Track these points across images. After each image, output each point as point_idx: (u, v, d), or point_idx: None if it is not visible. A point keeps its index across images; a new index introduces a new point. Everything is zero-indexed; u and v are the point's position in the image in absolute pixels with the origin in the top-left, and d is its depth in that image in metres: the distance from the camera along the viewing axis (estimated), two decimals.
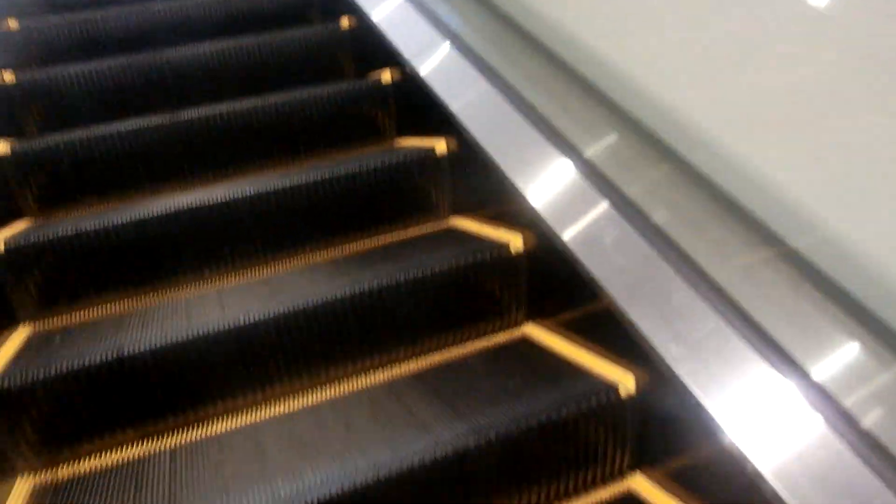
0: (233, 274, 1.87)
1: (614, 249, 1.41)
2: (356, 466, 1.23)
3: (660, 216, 1.39)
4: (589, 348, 1.51)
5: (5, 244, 1.66)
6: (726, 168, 1.28)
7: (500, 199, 1.78)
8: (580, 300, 1.50)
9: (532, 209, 1.59)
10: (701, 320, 1.22)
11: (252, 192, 1.82)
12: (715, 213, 1.31)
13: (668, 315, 1.25)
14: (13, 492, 1.38)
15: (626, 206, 1.45)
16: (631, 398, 1.35)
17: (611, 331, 1.40)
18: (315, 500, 1.18)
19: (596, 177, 1.52)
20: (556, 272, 1.55)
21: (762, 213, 1.21)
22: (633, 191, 1.46)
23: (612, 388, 1.35)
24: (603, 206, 1.47)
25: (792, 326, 1.13)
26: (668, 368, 1.21)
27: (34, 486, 1.40)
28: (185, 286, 1.84)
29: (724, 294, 1.21)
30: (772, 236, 1.20)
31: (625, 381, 1.35)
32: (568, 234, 1.50)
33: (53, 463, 1.46)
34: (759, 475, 1.03)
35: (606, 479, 1.40)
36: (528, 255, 1.68)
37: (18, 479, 1.42)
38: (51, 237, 1.69)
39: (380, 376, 1.61)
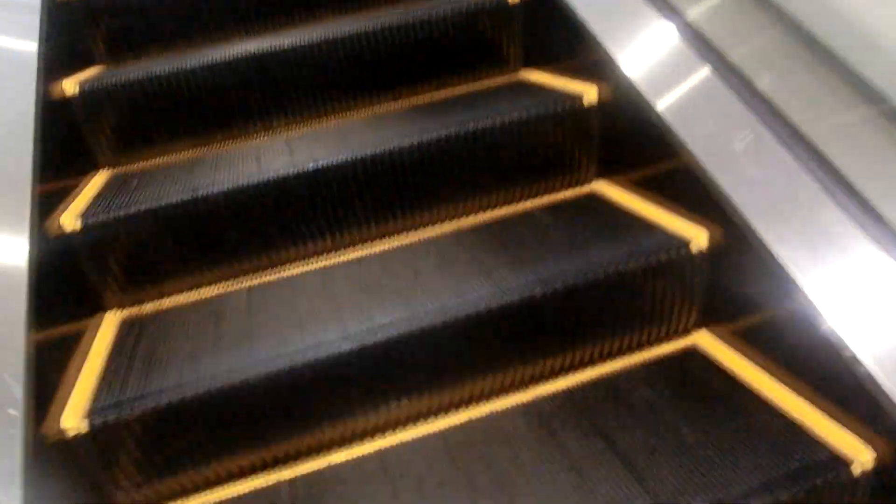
0: (301, 123, 1.87)
1: (696, 101, 1.35)
2: (424, 309, 1.26)
3: (737, 56, 1.31)
4: (661, 205, 1.47)
5: (80, 87, 1.68)
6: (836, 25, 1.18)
7: (574, 51, 1.70)
8: (654, 158, 1.45)
9: (610, 60, 1.51)
10: (794, 184, 1.17)
11: (319, 39, 1.77)
12: (813, 69, 1.22)
13: (758, 179, 1.20)
14: (103, 323, 1.47)
15: (708, 53, 1.37)
16: (702, 255, 1.33)
17: (685, 189, 1.36)
18: (384, 339, 1.22)
19: (684, 30, 1.43)
20: (631, 128, 1.50)
21: (869, 71, 1.12)
22: (715, 33, 1.37)
23: (683, 244, 1.32)
24: (689, 56, 1.39)
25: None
26: (749, 228, 1.18)
27: (122, 319, 1.49)
28: (254, 133, 1.85)
29: (825, 161, 1.15)
30: (877, 97, 1.12)
31: (697, 237, 1.32)
32: (647, 86, 1.43)
33: (138, 300, 1.54)
34: (853, 358, 1.02)
35: (672, 335, 1.41)
36: (602, 109, 1.61)
37: (108, 312, 1.52)
38: (123, 80, 1.70)
39: (447, 227, 1.62)
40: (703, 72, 1.36)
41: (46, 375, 1.13)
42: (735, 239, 1.23)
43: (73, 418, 1.14)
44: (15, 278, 1.15)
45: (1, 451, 0.95)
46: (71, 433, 1.13)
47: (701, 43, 1.39)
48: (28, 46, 1.61)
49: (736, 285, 1.29)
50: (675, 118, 1.36)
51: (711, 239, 1.31)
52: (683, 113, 1.35)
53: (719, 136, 1.29)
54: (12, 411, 1.00)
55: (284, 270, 1.57)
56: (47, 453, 1.04)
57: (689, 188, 1.34)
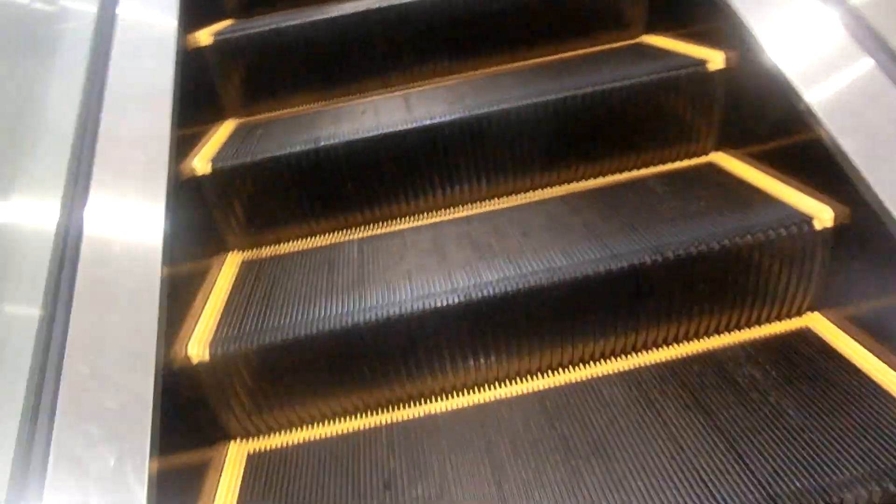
0: (419, 79, 1.90)
1: (836, 74, 1.28)
2: (532, 269, 1.27)
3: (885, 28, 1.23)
4: (783, 180, 1.41)
5: (213, 37, 1.77)
6: None
7: (701, 16, 1.64)
8: (781, 131, 1.39)
9: (742, 26, 1.45)
10: None
11: None
12: None
13: None
14: (226, 262, 1.56)
15: (853, 24, 1.29)
16: (825, 233, 1.27)
17: (811, 165, 1.30)
18: (490, 295, 1.24)
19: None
20: (758, 98, 1.44)
21: None
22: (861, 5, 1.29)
23: (805, 221, 1.27)
24: (831, 27, 1.32)
25: None
26: (884, 210, 1.12)
27: (243, 260, 1.58)
28: (373, 89, 1.90)
29: None
30: None
31: (821, 214, 1.26)
32: (781, 54, 1.36)
33: (258, 243, 1.63)
34: None
35: (784, 316, 1.36)
36: (728, 76, 1.55)
37: (231, 253, 1.61)
38: (252, 32, 1.78)
39: (558, 190, 1.62)
40: (844, 44, 1.29)
41: (176, 306, 1.21)
42: (864, 220, 1.17)
43: (197, 347, 1.23)
44: (154, 216, 1.24)
45: (138, 371, 1.04)
46: (195, 360, 1.22)
47: (845, 14, 1.31)
48: None
49: (859, 268, 1.23)
50: (811, 91, 1.29)
51: (836, 218, 1.25)
52: (821, 86, 1.29)
53: (857, 112, 1.22)
54: (148, 336, 1.09)
55: (396, 224, 1.61)
56: (174, 378, 1.12)
57: (816, 164, 1.28)
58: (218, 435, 1.31)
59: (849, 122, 1.23)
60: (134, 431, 0.96)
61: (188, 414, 1.20)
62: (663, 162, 1.65)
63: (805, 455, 1.06)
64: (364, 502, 1.12)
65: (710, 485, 1.04)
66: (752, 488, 1.02)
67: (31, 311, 1.04)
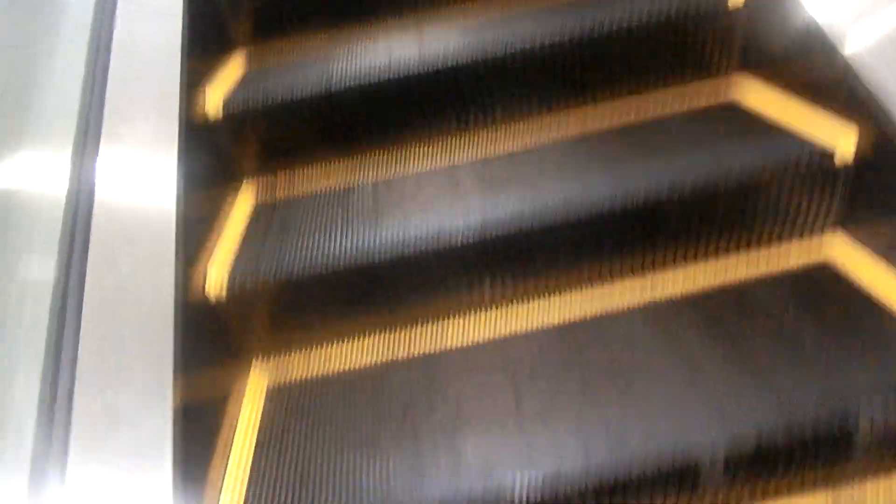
0: (431, 16, 1.86)
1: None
2: (548, 204, 1.26)
3: None
4: (804, 113, 1.38)
5: None
6: None
7: None
8: (803, 62, 1.35)
9: None
10: None
11: None
12: None
13: None
14: (241, 200, 1.56)
15: None
16: (847, 165, 1.25)
17: (834, 96, 1.27)
18: (506, 229, 1.24)
19: None
20: (781, 30, 1.40)
21: None
22: None
23: (826, 152, 1.24)
24: None
25: None
26: None
27: (257, 199, 1.58)
28: (386, 25, 1.86)
29: None
30: None
31: (842, 146, 1.24)
32: None
33: (272, 185, 1.62)
34: None
35: (803, 248, 1.35)
36: (750, 7, 1.51)
37: (245, 192, 1.61)
38: None
39: (574, 129, 1.60)
40: None
41: (193, 243, 1.22)
42: (887, 153, 1.15)
43: (214, 282, 1.24)
44: (167, 155, 1.24)
45: (156, 305, 1.05)
46: (213, 295, 1.23)
47: None
48: None
49: (879, 201, 1.21)
50: (836, 19, 1.26)
51: (857, 151, 1.23)
52: (847, 15, 1.25)
53: (886, 41, 1.19)
54: (166, 274, 1.09)
55: (411, 162, 1.60)
56: (193, 313, 1.13)
57: (839, 96, 1.25)
58: (238, 368, 1.32)
59: (877, 50, 1.20)
60: (156, 369, 0.98)
61: (207, 349, 1.22)
62: (682, 98, 1.62)
63: (821, 376, 1.06)
64: (384, 425, 1.14)
65: (727, 407, 1.04)
66: (769, 410, 1.02)
67: (48, 255, 1.06)
